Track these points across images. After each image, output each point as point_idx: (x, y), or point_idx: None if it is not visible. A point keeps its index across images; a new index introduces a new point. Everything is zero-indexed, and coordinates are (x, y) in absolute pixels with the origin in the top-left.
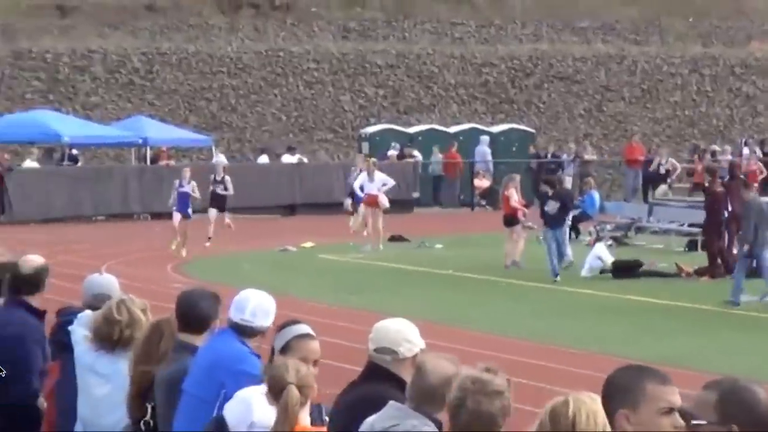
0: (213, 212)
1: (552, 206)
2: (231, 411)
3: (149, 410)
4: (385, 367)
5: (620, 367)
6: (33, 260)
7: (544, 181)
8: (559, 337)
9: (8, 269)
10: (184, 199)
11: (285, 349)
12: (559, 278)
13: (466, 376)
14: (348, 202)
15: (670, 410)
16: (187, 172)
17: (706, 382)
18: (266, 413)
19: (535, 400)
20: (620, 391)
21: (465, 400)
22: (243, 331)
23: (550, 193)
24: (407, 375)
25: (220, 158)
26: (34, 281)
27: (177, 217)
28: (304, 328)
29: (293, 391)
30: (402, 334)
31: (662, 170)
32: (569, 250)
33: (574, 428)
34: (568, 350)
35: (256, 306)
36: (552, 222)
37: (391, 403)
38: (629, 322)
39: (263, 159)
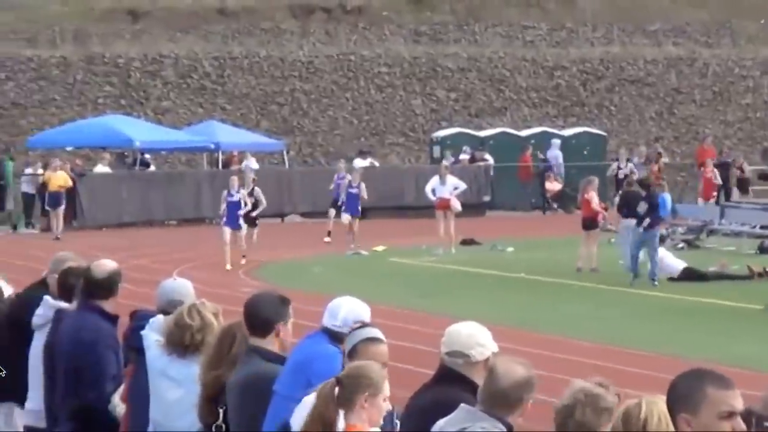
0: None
1: (642, 207)
2: (296, 417)
3: (221, 414)
4: (457, 371)
5: (683, 371)
6: (105, 265)
7: (639, 183)
8: (631, 340)
9: (81, 274)
10: (234, 210)
11: (352, 353)
12: (635, 280)
13: (579, 388)
14: (332, 212)
15: (730, 414)
16: (235, 182)
17: None
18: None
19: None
20: (681, 396)
21: (574, 411)
22: (334, 337)
23: (644, 193)
24: (479, 378)
25: (250, 162)
26: (106, 286)
27: (226, 231)
28: (372, 332)
29: (327, 386)
30: (474, 338)
31: (621, 175)
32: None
33: (645, 430)
34: (640, 353)
35: (347, 313)
36: (641, 224)
37: (462, 405)
38: (701, 325)
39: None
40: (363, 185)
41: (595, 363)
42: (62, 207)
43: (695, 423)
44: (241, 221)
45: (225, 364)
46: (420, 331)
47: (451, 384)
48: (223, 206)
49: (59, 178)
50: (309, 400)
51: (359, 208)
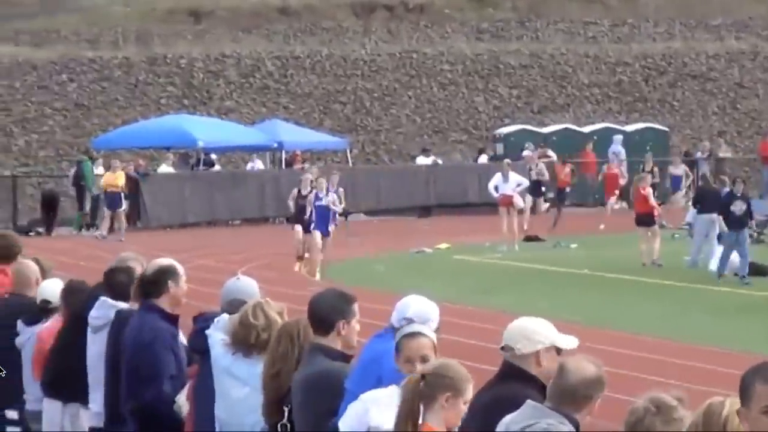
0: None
1: (739, 206)
2: (347, 416)
3: (286, 413)
4: (517, 366)
5: (751, 366)
6: (157, 262)
7: (721, 180)
8: (701, 336)
9: (127, 273)
10: (324, 214)
11: (397, 350)
12: (720, 279)
13: (654, 396)
14: (298, 229)
15: None
16: (323, 183)
17: None
18: (386, 417)
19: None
20: (741, 390)
21: (644, 418)
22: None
23: (740, 193)
24: (532, 372)
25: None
26: (155, 282)
27: (317, 235)
28: (413, 327)
29: (412, 380)
30: (523, 331)
31: (533, 176)
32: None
33: (725, 428)
34: (711, 349)
35: (415, 312)
36: (736, 223)
37: (528, 402)
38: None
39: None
40: (334, 196)
41: (664, 359)
42: (122, 208)
43: (747, 417)
44: (332, 227)
45: (285, 362)
46: (487, 329)
47: (511, 380)
48: (310, 209)
49: (116, 179)
50: (363, 397)
51: (329, 226)
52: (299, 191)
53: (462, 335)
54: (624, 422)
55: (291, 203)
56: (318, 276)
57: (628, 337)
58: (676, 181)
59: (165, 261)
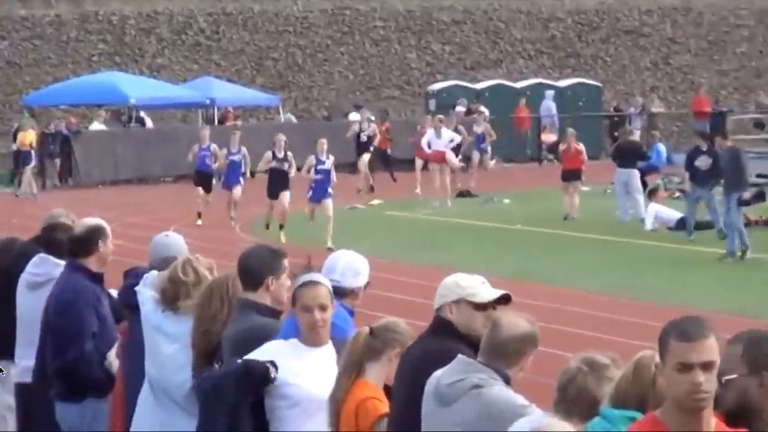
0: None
1: (704, 161)
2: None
3: (216, 369)
4: (450, 321)
5: (672, 319)
6: (86, 222)
7: (699, 134)
8: (630, 290)
9: (66, 231)
10: (236, 169)
11: (293, 299)
12: (693, 237)
13: (587, 356)
14: (201, 191)
15: (684, 367)
16: (236, 139)
17: (730, 337)
18: (289, 366)
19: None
20: (659, 345)
21: (576, 376)
22: (334, 291)
23: (704, 147)
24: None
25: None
26: (86, 242)
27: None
28: (307, 277)
29: (358, 335)
30: (457, 284)
31: (363, 138)
32: (721, 220)
33: (655, 380)
34: (639, 303)
35: (345, 266)
36: (702, 180)
37: (460, 356)
38: (698, 274)
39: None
40: (244, 150)
41: (597, 314)
42: (30, 165)
43: (663, 372)
44: (242, 180)
45: (214, 319)
46: (418, 284)
47: (444, 335)
48: (222, 161)
49: (25, 137)
50: (266, 347)
51: (240, 177)
52: (273, 153)
53: (395, 291)
54: (557, 382)
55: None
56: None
57: (559, 291)
58: (478, 140)
59: (93, 220)
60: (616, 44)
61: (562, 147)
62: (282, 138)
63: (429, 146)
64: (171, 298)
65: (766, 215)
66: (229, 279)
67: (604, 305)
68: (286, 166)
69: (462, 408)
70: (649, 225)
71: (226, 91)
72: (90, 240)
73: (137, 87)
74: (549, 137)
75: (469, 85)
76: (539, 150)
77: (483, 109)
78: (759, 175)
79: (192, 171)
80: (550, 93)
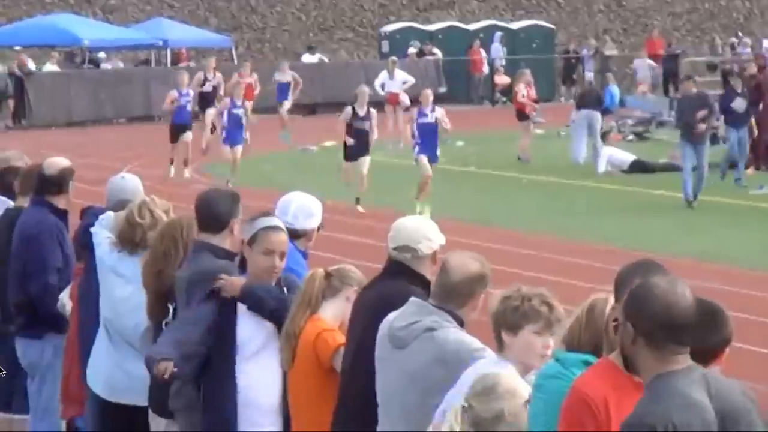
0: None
1: (740, 104)
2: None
3: (171, 311)
4: (406, 264)
5: (629, 262)
6: (57, 162)
7: (732, 75)
8: (584, 233)
9: (33, 172)
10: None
11: (252, 240)
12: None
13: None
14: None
15: None
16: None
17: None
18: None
19: (567, 296)
20: (617, 287)
21: (523, 303)
22: (254, 218)
23: (739, 89)
24: (427, 272)
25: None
26: (57, 182)
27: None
28: (271, 221)
29: (315, 274)
30: (421, 231)
31: (209, 87)
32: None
33: (607, 325)
34: (594, 246)
35: (297, 208)
36: (738, 122)
37: (412, 299)
38: (652, 217)
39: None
40: (248, 103)
41: (549, 256)
42: None
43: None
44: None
45: (167, 260)
46: (370, 226)
47: (398, 278)
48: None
49: None
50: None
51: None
52: (354, 109)
53: (348, 233)
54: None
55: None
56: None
57: (513, 234)
58: (282, 89)
59: (64, 161)
60: None
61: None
62: (366, 91)
63: (383, 88)
64: (127, 239)
65: (720, 158)
66: (183, 221)
67: (558, 248)
68: (367, 125)
69: (415, 351)
70: (602, 168)
71: (178, 33)
72: (62, 180)
73: (90, 28)
74: (502, 79)
75: (422, 26)
76: (492, 92)
77: (436, 51)
78: None
79: (168, 121)
80: (498, 35)
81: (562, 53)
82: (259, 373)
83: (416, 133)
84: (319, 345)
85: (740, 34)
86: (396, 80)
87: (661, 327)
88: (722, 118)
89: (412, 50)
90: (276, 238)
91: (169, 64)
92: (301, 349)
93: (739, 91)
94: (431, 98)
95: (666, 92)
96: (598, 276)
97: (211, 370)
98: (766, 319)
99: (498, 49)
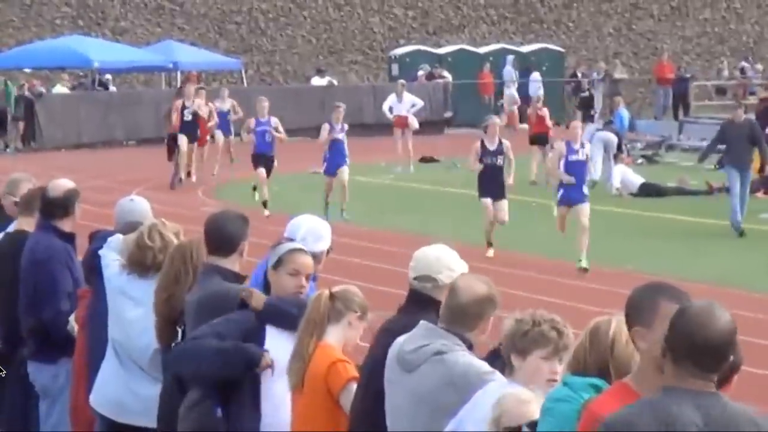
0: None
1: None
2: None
3: (180, 333)
4: (426, 294)
5: (641, 284)
6: (62, 184)
7: (614, 101)
8: (593, 257)
9: (36, 194)
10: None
11: (277, 264)
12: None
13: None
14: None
15: None
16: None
17: None
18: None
19: (576, 320)
20: (637, 309)
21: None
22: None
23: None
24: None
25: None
26: (62, 205)
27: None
28: (296, 244)
29: (320, 296)
30: (442, 261)
31: (188, 116)
32: None
33: (613, 347)
34: (602, 270)
35: (307, 231)
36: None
37: (422, 322)
38: (661, 241)
39: (318, 81)
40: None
41: (562, 281)
42: None
43: (649, 336)
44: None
45: (178, 283)
46: (382, 250)
47: (421, 309)
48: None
49: None
50: None
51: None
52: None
53: (357, 256)
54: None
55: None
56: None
57: (525, 257)
58: (222, 117)
59: (68, 183)
60: (579, 9)
61: (529, 111)
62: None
63: (391, 111)
64: (137, 262)
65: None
66: (193, 244)
67: (562, 271)
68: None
69: (425, 374)
70: (616, 185)
71: (188, 55)
72: (67, 202)
73: (100, 50)
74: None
75: (432, 50)
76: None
77: (446, 74)
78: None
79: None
80: (510, 58)
81: (570, 77)
82: (284, 393)
83: (563, 172)
84: (332, 374)
85: (750, 58)
86: (404, 103)
87: (683, 343)
88: None
89: (421, 73)
90: (302, 260)
91: (178, 87)
92: (310, 377)
93: None
94: (581, 132)
95: (675, 116)
96: (609, 300)
97: (235, 390)
98: (764, 341)
99: (510, 72)
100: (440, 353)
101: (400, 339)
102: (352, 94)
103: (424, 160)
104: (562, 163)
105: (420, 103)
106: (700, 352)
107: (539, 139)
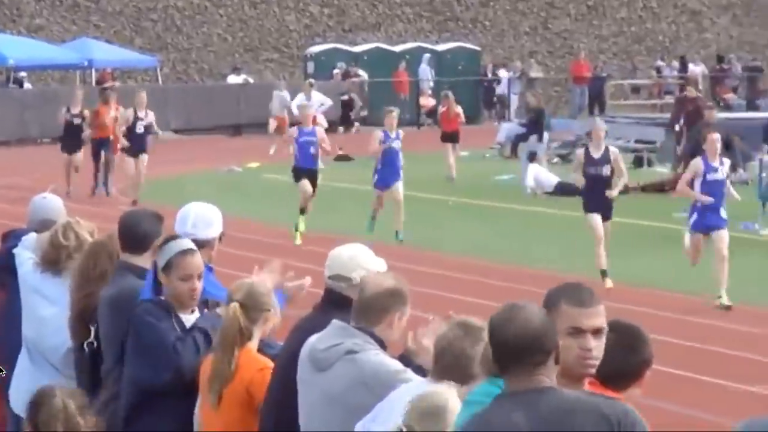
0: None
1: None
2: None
3: (93, 331)
4: (342, 294)
5: (557, 285)
6: None
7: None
8: (509, 255)
9: None
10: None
11: (167, 268)
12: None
13: (459, 321)
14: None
15: (576, 331)
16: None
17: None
18: None
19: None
20: (546, 308)
21: (453, 343)
22: (165, 240)
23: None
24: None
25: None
26: None
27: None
28: (185, 244)
29: (234, 312)
30: (356, 260)
31: (140, 128)
32: None
33: None
34: (520, 269)
35: (196, 217)
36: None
37: (334, 321)
38: (577, 239)
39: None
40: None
41: (477, 279)
42: None
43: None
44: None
45: (94, 282)
46: (300, 249)
47: (335, 308)
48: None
49: None
50: None
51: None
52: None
53: (282, 255)
54: (434, 351)
55: None
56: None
57: (439, 256)
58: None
59: None
60: (495, 8)
61: (441, 109)
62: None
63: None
64: (51, 261)
65: (643, 181)
66: (108, 242)
67: (489, 272)
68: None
69: (336, 374)
70: (530, 184)
71: (104, 53)
72: None
73: (15, 48)
74: (427, 101)
75: (348, 48)
76: (418, 114)
77: (361, 72)
78: (638, 141)
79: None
80: (426, 57)
81: (486, 75)
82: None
83: (699, 192)
84: (256, 384)
85: (665, 57)
86: (313, 102)
87: (494, 348)
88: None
89: (337, 71)
90: (192, 262)
91: (93, 84)
92: (231, 389)
93: None
94: (719, 146)
95: (591, 114)
96: (517, 298)
97: (164, 405)
98: (684, 341)
99: (426, 71)
100: (352, 352)
101: (313, 338)
102: (268, 92)
103: (340, 158)
104: (698, 183)
105: (329, 102)
106: (507, 351)
107: (451, 136)
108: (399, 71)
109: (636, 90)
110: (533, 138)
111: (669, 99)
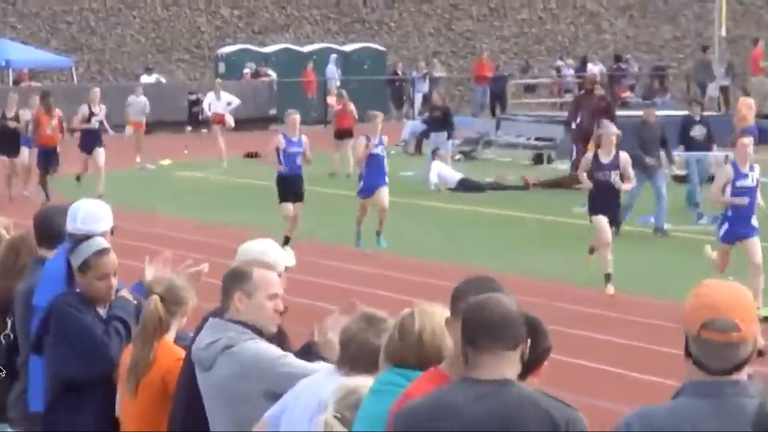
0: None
1: (699, 131)
2: None
3: (9, 324)
4: None
5: (464, 278)
6: None
7: (692, 102)
8: (414, 249)
9: None
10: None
11: (84, 267)
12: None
13: (362, 313)
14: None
15: None
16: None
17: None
18: None
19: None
20: (452, 300)
21: (357, 335)
22: (79, 239)
23: (698, 116)
24: None
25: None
26: None
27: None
28: (97, 244)
29: (154, 304)
30: (265, 256)
31: (95, 123)
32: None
33: (420, 341)
34: (423, 262)
35: (86, 213)
36: (699, 149)
37: (210, 319)
38: (480, 234)
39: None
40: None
41: (382, 272)
42: None
43: (455, 326)
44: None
45: (12, 276)
46: (210, 243)
47: None
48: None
49: None
50: None
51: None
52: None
53: (194, 251)
54: (339, 342)
55: None
56: None
57: (344, 251)
58: None
59: None
60: (401, 10)
61: (336, 107)
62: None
63: (209, 108)
64: None
65: (544, 178)
66: (23, 237)
67: (385, 264)
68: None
69: (219, 371)
70: (434, 180)
71: (20, 53)
72: None
73: None
74: (334, 100)
75: (258, 48)
76: (325, 112)
77: (271, 72)
78: (537, 138)
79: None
80: (333, 57)
81: (392, 75)
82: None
83: (730, 198)
84: (173, 373)
85: (563, 57)
86: (222, 101)
87: (465, 331)
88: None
89: (247, 71)
90: (108, 260)
91: (11, 84)
92: (148, 379)
93: (698, 118)
94: (751, 151)
95: (493, 113)
96: (423, 290)
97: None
98: (581, 332)
99: (333, 71)
100: (228, 347)
101: (198, 338)
102: (179, 91)
103: (249, 155)
104: (728, 189)
105: (236, 101)
106: (488, 328)
107: (344, 134)
108: (307, 71)
109: (530, 89)
110: (438, 135)
111: (568, 97)
